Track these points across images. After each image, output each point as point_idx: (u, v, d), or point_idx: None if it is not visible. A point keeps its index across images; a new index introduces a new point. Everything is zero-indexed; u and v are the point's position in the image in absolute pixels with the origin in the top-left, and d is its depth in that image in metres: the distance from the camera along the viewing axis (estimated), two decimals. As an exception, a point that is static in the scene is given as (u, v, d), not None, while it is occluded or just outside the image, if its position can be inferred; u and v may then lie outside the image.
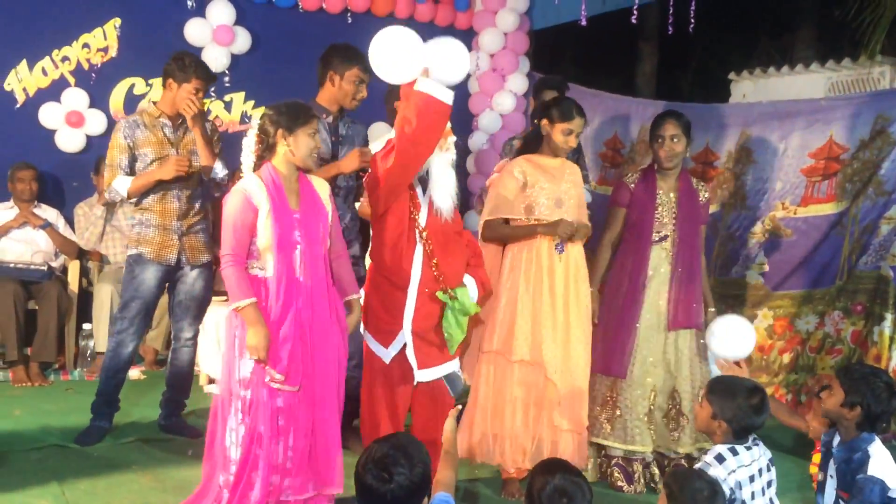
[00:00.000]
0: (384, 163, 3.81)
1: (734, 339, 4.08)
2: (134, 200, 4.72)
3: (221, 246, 3.61)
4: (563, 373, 4.20)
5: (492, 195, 4.36)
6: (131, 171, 4.70)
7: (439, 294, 3.85)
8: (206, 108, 4.95)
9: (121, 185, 4.66)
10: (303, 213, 3.59)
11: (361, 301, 3.99)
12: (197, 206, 4.85)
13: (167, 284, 4.91)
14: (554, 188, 4.29)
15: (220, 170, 4.88)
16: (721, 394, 3.30)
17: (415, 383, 3.94)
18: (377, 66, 3.83)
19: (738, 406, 3.24)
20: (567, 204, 4.31)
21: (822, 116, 6.02)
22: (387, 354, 3.90)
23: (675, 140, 4.52)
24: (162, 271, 4.78)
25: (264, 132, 3.62)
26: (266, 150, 3.62)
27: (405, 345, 3.88)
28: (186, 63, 4.73)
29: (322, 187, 3.75)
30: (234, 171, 6.74)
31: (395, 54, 3.82)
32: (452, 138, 3.94)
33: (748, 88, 9.43)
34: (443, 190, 3.87)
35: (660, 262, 4.54)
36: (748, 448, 3.24)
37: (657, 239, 4.54)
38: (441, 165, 3.87)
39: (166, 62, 4.82)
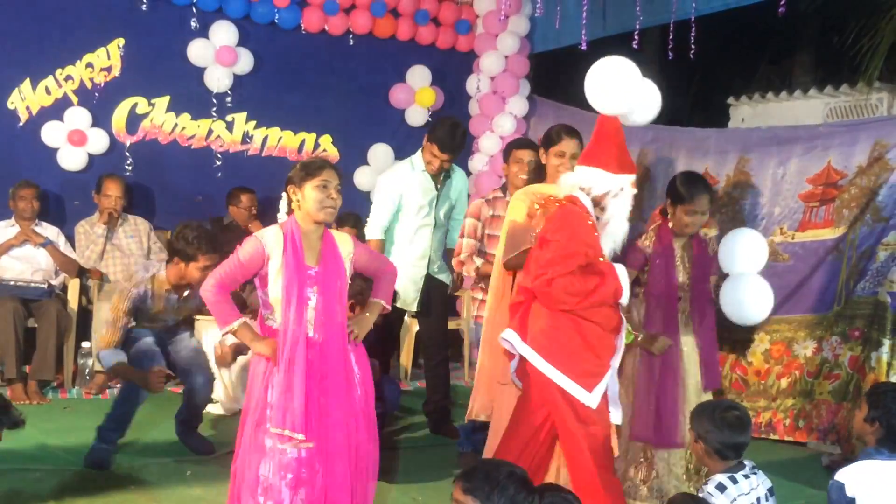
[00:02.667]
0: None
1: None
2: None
3: (215, 270, 3.62)
4: None
5: (510, 227, 4.23)
6: (126, 334, 4.73)
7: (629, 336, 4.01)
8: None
9: (107, 359, 4.66)
10: (321, 270, 3.57)
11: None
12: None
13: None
14: None
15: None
16: (700, 417, 3.32)
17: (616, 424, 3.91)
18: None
19: (712, 422, 3.25)
20: None
21: (821, 142, 6.05)
22: (593, 398, 3.73)
23: (705, 214, 4.44)
24: (148, 330, 4.87)
25: (287, 190, 3.64)
26: (294, 208, 3.61)
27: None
28: (190, 240, 4.71)
29: (344, 244, 3.69)
30: (231, 191, 6.81)
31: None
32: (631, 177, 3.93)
33: (747, 113, 9.47)
34: (623, 226, 3.92)
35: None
36: (746, 476, 3.23)
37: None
38: (622, 207, 3.90)
39: (171, 238, 4.89)
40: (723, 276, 4.65)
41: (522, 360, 3.87)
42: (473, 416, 4.33)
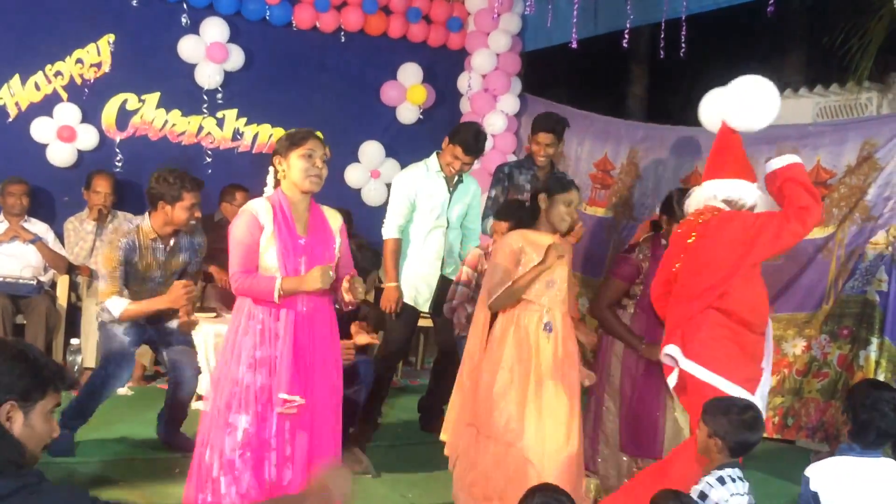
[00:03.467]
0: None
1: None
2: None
3: (230, 266, 3.63)
4: (549, 457, 3.97)
5: (494, 269, 4.21)
6: (125, 284, 4.71)
7: None
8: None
9: (115, 306, 4.64)
10: (309, 239, 3.61)
11: None
12: (165, 313, 4.91)
13: (145, 340, 4.99)
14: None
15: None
16: (715, 412, 3.33)
17: None
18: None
19: (730, 422, 3.26)
20: (558, 285, 4.16)
21: (810, 142, 6.07)
22: (756, 401, 3.73)
23: None
24: (133, 325, 4.80)
25: (273, 161, 3.68)
26: (280, 178, 3.66)
27: None
28: (171, 181, 4.68)
29: (334, 218, 3.77)
30: (223, 188, 6.79)
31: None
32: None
33: (737, 112, 9.49)
34: None
35: None
36: (734, 480, 3.23)
37: None
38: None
39: (150, 183, 4.76)
40: None
41: (682, 375, 3.95)
42: (447, 452, 4.34)
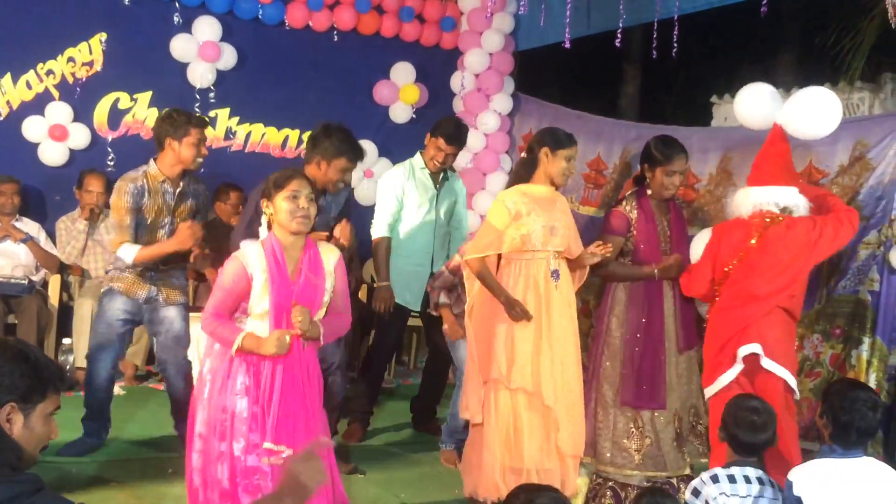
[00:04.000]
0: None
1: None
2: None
3: (206, 305, 3.63)
4: (561, 399, 4.20)
5: (481, 229, 4.35)
6: (136, 233, 4.70)
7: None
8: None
9: (127, 254, 4.65)
10: (303, 283, 3.58)
11: None
12: (176, 259, 4.86)
13: (141, 321, 4.96)
14: (547, 216, 4.29)
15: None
16: (727, 406, 3.35)
17: None
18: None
19: (732, 420, 3.29)
20: (561, 231, 4.31)
21: (803, 142, 6.07)
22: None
23: (683, 174, 4.63)
24: (131, 304, 4.80)
25: (261, 204, 3.67)
26: (269, 221, 3.65)
27: None
28: (177, 118, 4.69)
29: (329, 256, 3.71)
30: (218, 187, 6.78)
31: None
32: None
33: (729, 112, 9.48)
34: None
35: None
36: (748, 482, 3.23)
37: None
38: None
39: (155, 125, 4.80)
40: None
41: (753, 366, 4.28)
42: (468, 416, 4.37)
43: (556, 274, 4.26)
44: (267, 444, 3.47)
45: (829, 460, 3.26)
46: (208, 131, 7.03)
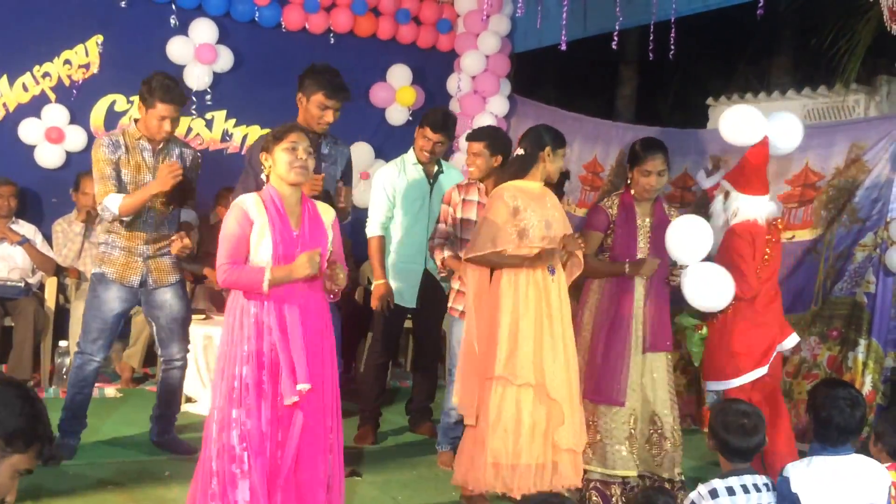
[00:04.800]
0: None
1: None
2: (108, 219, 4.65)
3: (217, 258, 3.61)
4: (564, 392, 4.23)
5: (484, 224, 4.36)
6: (119, 183, 4.63)
7: None
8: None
9: (112, 202, 4.56)
10: (302, 233, 3.61)
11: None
12: (166, 230, 4.80)
13: (138, 307, 4.93)
14: (542, 211, 4.34)
15: (193, 221, 5.05)
16: (714, 413, 3.34)
17: None
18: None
19: (721, 426, 3.25)
20: (555, 226, 4.35)
21: (799, 144, 6.09)
22: None
23: (661, 175, 4.62)
24: (125, 292, 4.75)
25: (260, 158, 3.70)
26: (267, 174, 3.67)
27: None
28: (153, 86, 4.62)
29: (327, 213, 3.76)
30: (219, 191, 6.77)
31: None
32: None
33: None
34: None
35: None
36: (747, 491, 3.18)
37: None
38: None
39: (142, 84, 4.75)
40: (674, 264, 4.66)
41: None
42: (462, 411, 4.40)
43: (551, 269, 4.30)
44: (300, 386, 3.50)
45: (823, 458, 3.26)
46: (204, 133, 7.13)
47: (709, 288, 4.52)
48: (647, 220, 4.67)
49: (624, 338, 4.53)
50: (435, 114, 5.49)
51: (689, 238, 4.50)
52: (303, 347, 3.54)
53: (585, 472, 4.52)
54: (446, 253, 5.02)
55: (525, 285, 4.26)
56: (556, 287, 4.32)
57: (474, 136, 5.14)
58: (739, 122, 4.81)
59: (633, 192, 4.66)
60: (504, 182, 4.44)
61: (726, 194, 4.86)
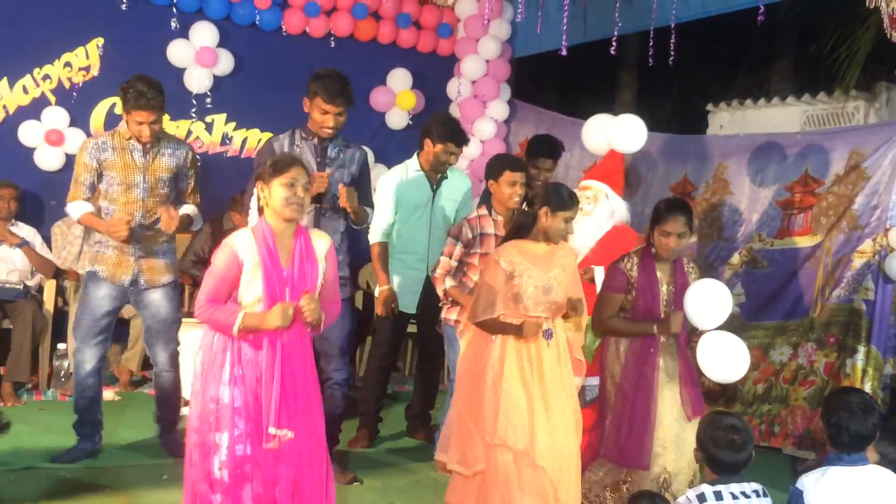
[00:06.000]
0: None
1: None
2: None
3: (199, 294, 3.61)
4: (553, 459, 4.06)
5: (482, 288, 4.24)
6: (92, 192, 4.73)
7: None
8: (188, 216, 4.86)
9: (75, 210, 4.73)
10: (291, 273, 3.56)
11: None
12: (157, 232, 4.78)
13: (127, 306, 4.94)
14: (542, 275, 4.17)
15: (197, 222, 4.99)
16: (702, 426, 3.31)
17: None
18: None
19: (709, 439, 3.23)
20: (556, 290, 4.19)
21: (798, 150, 6.11)
22: None
23: (681, 237, 4.39)
24: (116, 290, 4.76)
25: (256, 187, 3.65)
26: (262, 205, 3.62)
27: None
28: (128, 94, 4.58)
29: (320, 242, 3.69)
30: (234, 196, 6.73)
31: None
32: None
33: (725, 119, 9.54)
34: None
35: None
36: (735, 497, 3.16)
37: None
38: None
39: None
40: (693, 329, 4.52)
41: None
42: (447, 466, 4.26)
43: (548, 333, 4.15)
44: (271, 430, 3.47)
45: (838, 468, 3.26)
46: (204, 137, 7.13)
47: (725, 357, 4.33)
48: (668, 278, 4.49)
49: (648, 400, 4.35)
50: (450, 125, 5.46)
51: (708, 302, 4.32)
52: (278, 390, 3.50)
53: None
54: (448, 283, 5.00)
55: (515, 351, 4.13)
56: (551, 352, 4.17)
57: (517, 165, 5.07)
58: (591, 134, 5.73)
59: (654, 251, 4.48)
60: (508, 240, 4.32)
61: (606, 195, 5.30)
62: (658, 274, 4.46)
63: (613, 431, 4.41)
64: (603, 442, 4.45)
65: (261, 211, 3.63)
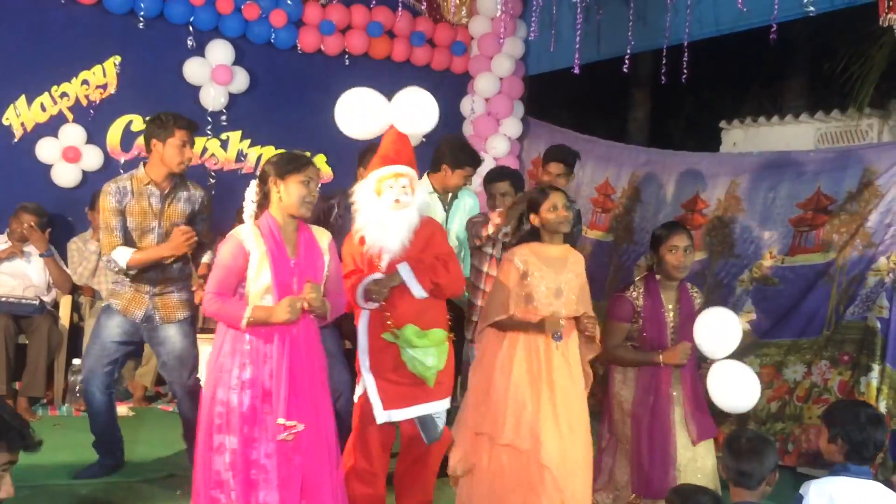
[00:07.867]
0: None
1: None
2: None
3: (207, 285, 3.65)
4: (559, 462, 4.06)
5: (496, 287, 4.29)
6: (125, 234, 4.60)
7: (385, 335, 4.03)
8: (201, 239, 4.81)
9: (121, 256, 4.54)
10: (299, 261, 3.63)
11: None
12: (175, 273, 4.76)
13: (140, 341, 4.94)
14: (554, 277, 4.21)
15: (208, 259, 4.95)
16: (725, 444, 3.31)
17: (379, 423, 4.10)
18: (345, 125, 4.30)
19: (729, 452, 3.24)
20: (566, 295, 4.23)
21: (811, 168, 6.10)
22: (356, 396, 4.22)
23: (688, 251, 4.42)
24: (128, 324, 4.71)
25: (262, 180, 3.69)
26: (264, 198, 3.67)
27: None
28: (164, 119, 4.62)
29: (322, 237, 3.78)
30: (238, 211, 6.78)
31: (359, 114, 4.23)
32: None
33: (738, 137, 9.54)
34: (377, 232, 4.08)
35: None
36: None
37: None
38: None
39: (145, 127, 4.73)
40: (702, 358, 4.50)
41: None
42: (451, 471, 4.33)
43: (558, 335, 4.15)
44: (280, 420, 3.51)
45: (842, 478, 3.27)
46: (219, 154, 7.18)
47: (735, 387, 4.30)
48: (673, 304, 4.49)
49: (666, 430, 4.33)
50: (465, 149, 5.57)
51: (717, 332, 4.31)
52: (287, 381, 3.54)
53: None
54: (491, 228, 4.95)
55: (524, 352, 4.17)
56: (560, 355, 4.18)
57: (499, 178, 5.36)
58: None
59: (658, 276, 4.49)
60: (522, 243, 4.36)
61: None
62: (663, 299, 4.46)
63: (635, 465, 4.37)
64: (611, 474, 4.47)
65: (258, 204, 3.67)
